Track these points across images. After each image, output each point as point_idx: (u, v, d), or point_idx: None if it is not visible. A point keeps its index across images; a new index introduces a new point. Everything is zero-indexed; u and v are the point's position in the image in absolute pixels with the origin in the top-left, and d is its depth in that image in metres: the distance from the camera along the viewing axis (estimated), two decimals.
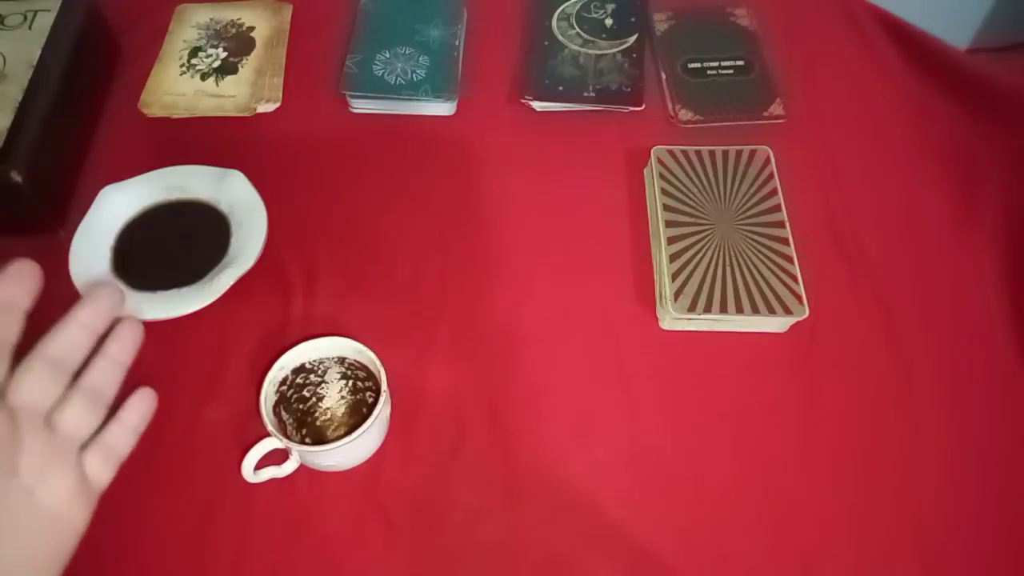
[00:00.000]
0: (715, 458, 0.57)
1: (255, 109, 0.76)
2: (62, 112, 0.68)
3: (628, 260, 0.66)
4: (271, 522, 0.54)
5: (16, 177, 0.61)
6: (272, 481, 0.54)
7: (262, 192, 0.66)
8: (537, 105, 0.75)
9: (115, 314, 0.44)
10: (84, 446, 0.43)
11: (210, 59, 0.79)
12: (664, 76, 0.78)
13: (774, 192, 0.66)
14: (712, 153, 0.68)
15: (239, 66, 0.79)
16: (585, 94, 0.75)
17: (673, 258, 0.62)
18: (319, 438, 0.57)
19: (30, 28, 0.70)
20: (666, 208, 0.65)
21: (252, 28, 0.82)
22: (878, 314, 0.63)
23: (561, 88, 0.75)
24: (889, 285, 0.65)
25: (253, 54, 0.80)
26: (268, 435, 0.51)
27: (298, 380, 0.56)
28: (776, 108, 0.74)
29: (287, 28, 0.82)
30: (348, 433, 0.50)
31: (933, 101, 0.78)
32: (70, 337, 0.42)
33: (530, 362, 0.61)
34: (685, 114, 0.74)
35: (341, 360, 0.57)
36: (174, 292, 0.62)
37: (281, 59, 0.80)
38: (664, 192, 0.66)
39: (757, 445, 0.57)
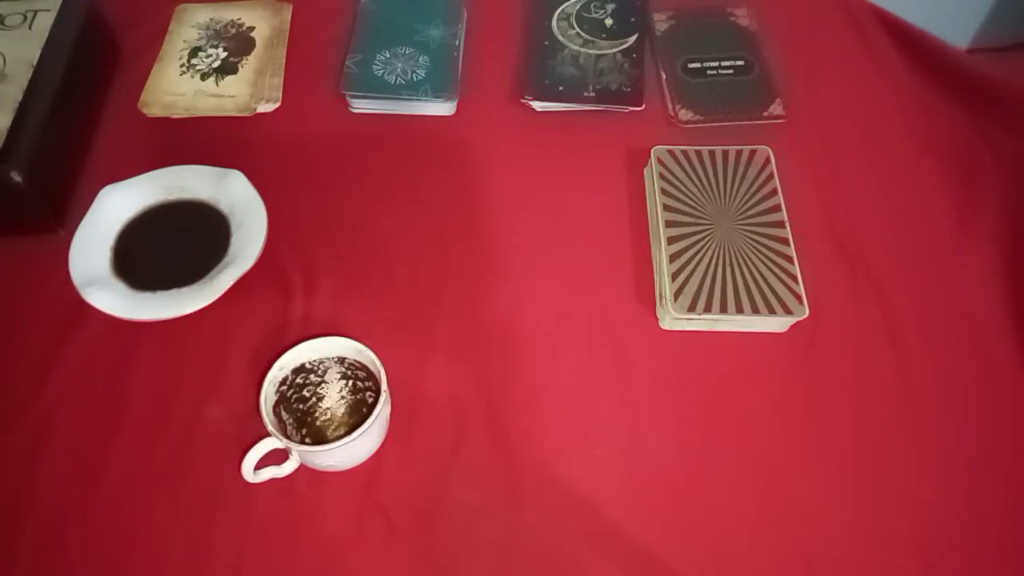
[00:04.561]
0: (715, 458, 0.57)
1: (255, 109, 0.76)
2: (62, 112, 0.68)
3: (628, 260, 0.66)
4: (271, 522, 0.54)
5: (16, 177, 0.62)
6: (272, 481, 0.54)
7: (262, 192, 0.66)
8: (537, 105, 0.75)
9: None
10: None
11: (210, 59, 0.79)
12: (664, 76, 0.78)
13: (774, 192, 0.66)
14: (712, 153, 0.68)
15: (239, 66, 0.79)
16: (585, 94, 0.75)
17: (673, 258, 0.62)
18: (319, 438, 0.57)
19: (30, 28, 0.70)
20: (666, 208, 0.65)
21: (252, 28, 0.82)
22: (878, 314, 0.63)
23: (561, 88, 0.75)
24: (889, 285, 0.65)
25: (253, 54, 0.80)
26: (268, 435, 0.51)
27: (298, 380, 0.56)
28: (776, 108, 0.74)
29: (287, 28, 0.82)
30: (348, 433, 0.50)
31: (933, 101, 0.78)
32: None
33: (530, 362, 0.61)
34: (685, 114, 0.74)
35: (341, 360, 0.57)
36: (174, 292, 0.62)
37: (281, 59, 0.80)
38: (664, 192, 0.66)
39: (757, 445, 0.57)
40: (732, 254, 0.62)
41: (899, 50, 0.81)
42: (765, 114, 0.74)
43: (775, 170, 0.67)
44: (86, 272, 0.62)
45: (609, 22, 0.81)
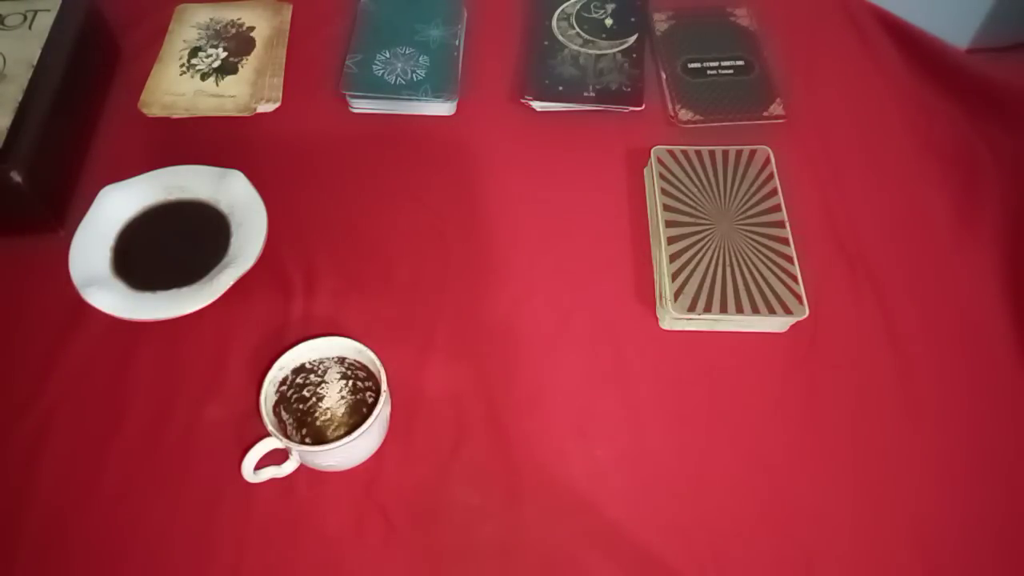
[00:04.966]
0: (715, 458, 0.57)
1: (255, 109, 0.76)
2: (62, 112, 0.68)
3: (628, 260, 0.66)
4: (271, 522, 0.54)
5: (16, 177, 0.61)
6: (272, 481, 0.54)
7: (262, 192, 0.66)
8: (537, 105, 0.75)
9: None
10: None
11: (210, 59, 0.79)
12: (664, 76, 0.78)
13: (774, 192, 0.66)
14: (712, 153, 0.68)
15: (239, 66, 0.79)
16: (585, 94, 0.75)
17: (673, 258, 0.62)
18: (319, 438, 0.57)
19: (30, 28, 0.70)
20: (666, 208, 0.65)
21: (252, 28, 0.82)
22: (878, 314, 0.63)
23: (561, 88, 0.75)
24: (889, 285, 0.65)
25: (253, 54, 0.80)
26: (268, 435, 0.51)
27: (298, 380, 0.56)
28: (776, 108, 0.74)
29: (287, 28, 0.82)
30: (348, 433, 0.50)
31: (933, 101, 0.78)
32: None
33: (530, 362, 0.61)
34: (685, 114, 0.74)
35: (341, 360, 0.57)
36: (174, 292, 0.62)
37: (281, 59, 0.80)
38: (664, 192, 0.66)
39: (757, 445, 0.57)
40: (732, 254, 0.62)
41: (899, 50, 0.81)
42: (765, 114, 0.74)
43: (775, 170, 0.67)
44: (86, 272, 0.62)
45: (609, 22, 0.81)
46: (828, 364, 0.61)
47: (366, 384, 0.57)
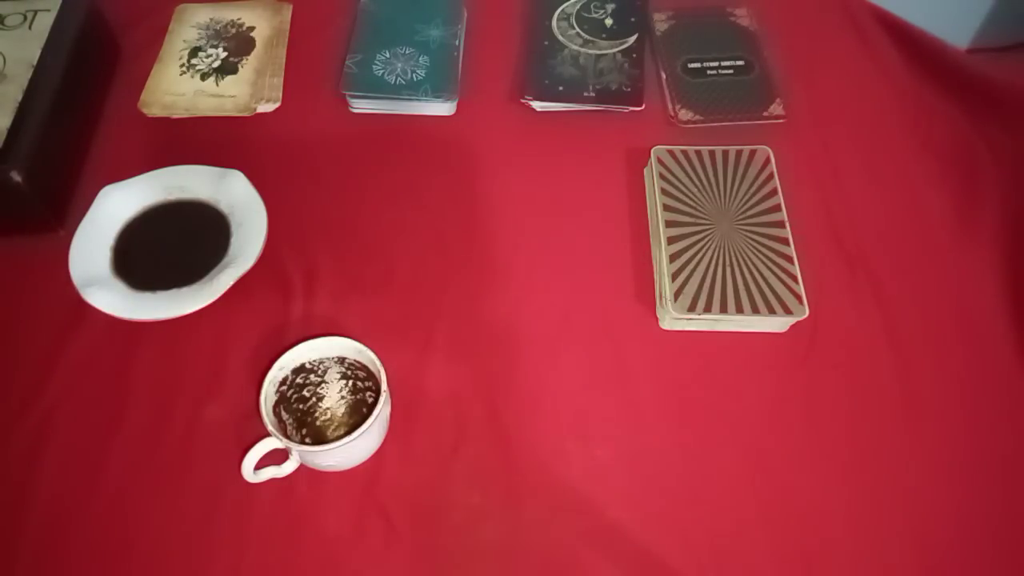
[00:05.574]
0: (715, 458, 0.57)
1: (255, 109, 0.76)
2: (62, 112, 0.68)
3: (628, 260, 0.66)
4: (271, 522, 0.54)
5: (16, 177, 0.62)
6: (272, 481, 0.54)
7: (262, 192, 0.66)
8: (537, 105, 0.75)
9: None
10: None
11: (210, 59, 0.79)
12: (664, 76, 0.78)
13: (774, 192, 0.66)
14: (712, 153, 0.68)
15: (239, 66, 0.79)
16: (585, 94, 0.75)
17: (673, 258, 0.62)
18: (319, 438, 0.57)
19: (30, 28, 0.70)
20: (666, 208, 0.65)
21: (252, 28, 0.82)
22: (878, 314, 0.63)
23: (561, 88, 0.75)
24: (889, 285, 0.65)
25: (253, 54, 0.80)
26: (268, 435, 0.51)
27: (298, 380, 0.56)
28: (776, 108, 0.74)
29: (287, 28, 0.82)
30: (348, 433, 0.50)
31: (933, 101, 0.78)
32: None
33: (530, 362, 0.61)
34: (685, 114, 0.74)
35: (341, 360, 0.57)
36: (174, 292, 0.62)
37: (281, 59, 0.80)
38: (664, 192, 0.66)
39: (757, 445, 0.57)
40: (732, 254, 0.62)
41: (899, 50, 0.81)
42: (765, 114, 0.74)
43: (775, 170, 0.67)
44: (86, 272, 0.61)
45: (609, 22, 0.81)
46: (828, 364, 0.61)
47: (366, 384, 0.57)
